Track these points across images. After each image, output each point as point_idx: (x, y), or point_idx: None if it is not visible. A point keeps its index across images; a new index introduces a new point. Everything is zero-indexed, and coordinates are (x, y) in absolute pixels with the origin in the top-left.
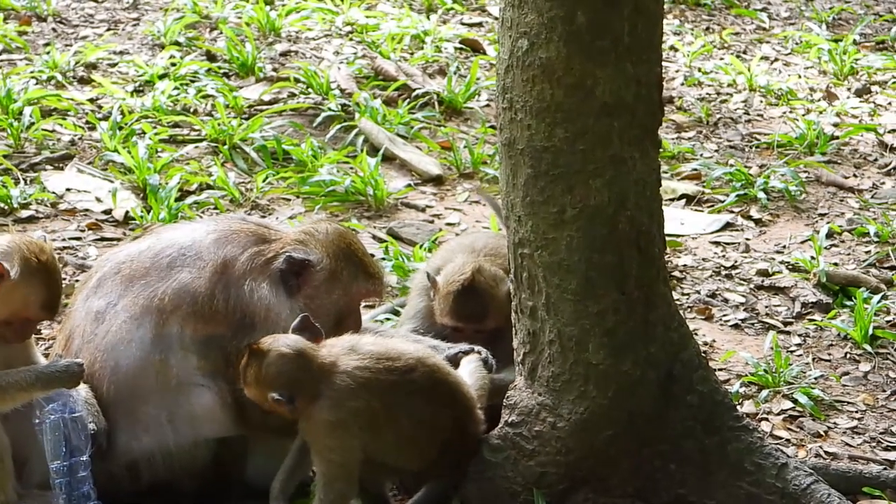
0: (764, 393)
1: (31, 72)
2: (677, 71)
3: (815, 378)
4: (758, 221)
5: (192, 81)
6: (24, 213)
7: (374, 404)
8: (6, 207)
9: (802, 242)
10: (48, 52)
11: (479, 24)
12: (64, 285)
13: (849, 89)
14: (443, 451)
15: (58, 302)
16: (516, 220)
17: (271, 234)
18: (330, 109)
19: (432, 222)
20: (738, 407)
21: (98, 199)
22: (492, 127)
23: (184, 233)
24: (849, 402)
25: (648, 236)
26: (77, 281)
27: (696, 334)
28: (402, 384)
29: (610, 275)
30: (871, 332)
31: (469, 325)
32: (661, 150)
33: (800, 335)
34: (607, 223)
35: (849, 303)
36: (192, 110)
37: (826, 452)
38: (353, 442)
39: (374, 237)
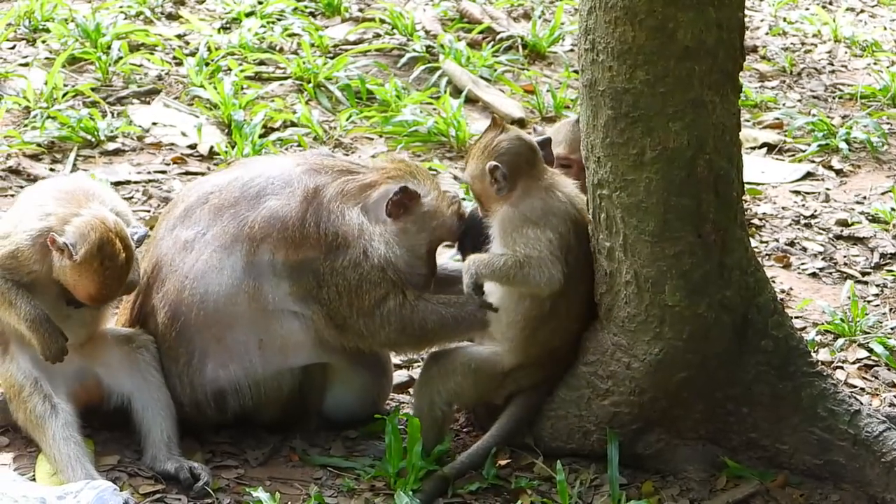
0: (840, 342)
1: (120, 6)
2: (762, 20)
3: (892, 328)
4: (839, 172)
5: (279, 20)
6: (111, 146)
7: (571, 242)
8: (93, 139)
9: (883, 194)
10: None
11: None
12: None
13: None
14: (559, 342)
15: (106, 298)
16: (596, 161)
17: (359, 168)
18: (414, 51)
19: None
20: (813, 354)
21: (183, 134)
22: (575, 71)
23: (272, 164)
24: None
25: (726, 180)
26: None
27: (773, 282)
28: (584, 236)
29: (687, 217)
30: None
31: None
32: (741, 96)
33: (877, 285)
34: (686, 166)
35: None
36: (277, 48)
37: None
38: (542, 244)
39: (455, 177)
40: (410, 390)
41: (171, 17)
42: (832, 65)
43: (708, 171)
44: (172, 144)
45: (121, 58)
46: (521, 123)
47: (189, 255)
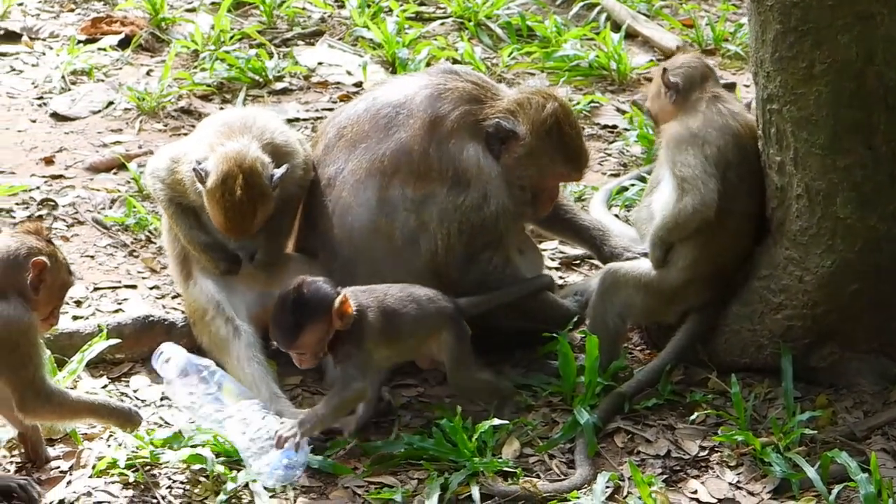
0: None
1: None
2: None
3: None
4: None
5: None
6: (279, 86)
7: (730, 157)
8: (262, 79)
9: None
10: None
11: None
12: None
13: None
14: (727, 259)
15: (236, 230)
16: (765, 76)
17: (486, 95)
18: None
19: None
20: None
21: (349, 73)
22: (734, 4)
23: (398, 89)
24: None
25: None
26: None
27: None
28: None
29: (857, 130)
30: None
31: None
32: None
33: None
34: (855, 78)
35: None
36: None
37: None
38: (701, 161)
39: (618, 109)
40: None
41: None
42: None
43: (877, 83)
44: (338, 83)
45: (284, 1)
46: None
47: (332, 193)
